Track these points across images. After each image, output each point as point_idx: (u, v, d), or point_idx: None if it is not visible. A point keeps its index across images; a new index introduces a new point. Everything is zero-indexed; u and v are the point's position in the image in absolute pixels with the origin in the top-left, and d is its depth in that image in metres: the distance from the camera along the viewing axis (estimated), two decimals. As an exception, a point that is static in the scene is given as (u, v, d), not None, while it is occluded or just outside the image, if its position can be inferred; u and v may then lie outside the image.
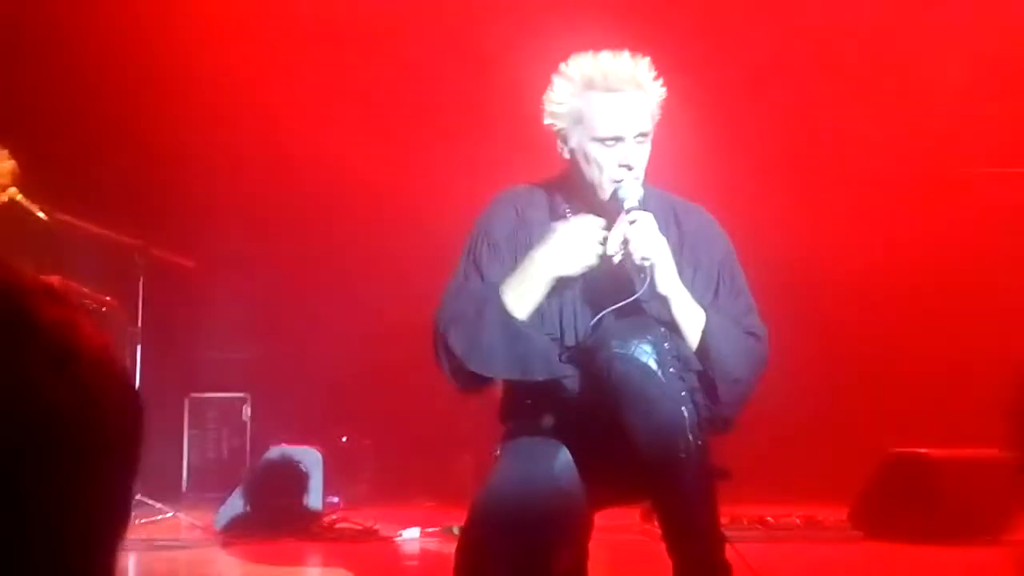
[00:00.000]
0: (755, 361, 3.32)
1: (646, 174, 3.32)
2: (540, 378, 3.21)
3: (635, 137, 3.23)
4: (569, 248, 3.19)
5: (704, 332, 3.19)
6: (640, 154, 3.26)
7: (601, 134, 3.22)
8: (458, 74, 8.21)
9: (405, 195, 8.25)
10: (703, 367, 3.17)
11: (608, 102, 3.22)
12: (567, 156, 3.33)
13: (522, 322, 3.19)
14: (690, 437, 2.98)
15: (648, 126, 3.26)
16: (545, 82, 3.34)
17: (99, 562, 0.72)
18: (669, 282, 3.18)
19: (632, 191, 3.21)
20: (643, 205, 3.24)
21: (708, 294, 3.32)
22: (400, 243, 8.11)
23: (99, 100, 7.86)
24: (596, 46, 3.31)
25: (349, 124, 8.23)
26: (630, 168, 3.23)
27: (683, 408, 2.99)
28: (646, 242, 3.13)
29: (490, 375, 3.24)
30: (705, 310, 3.23)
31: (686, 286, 3.26)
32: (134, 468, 0.75)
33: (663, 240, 3.18)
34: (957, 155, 8.10)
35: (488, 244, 3.35)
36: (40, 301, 0.70)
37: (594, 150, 3.24)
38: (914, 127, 8.16)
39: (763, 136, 8.24)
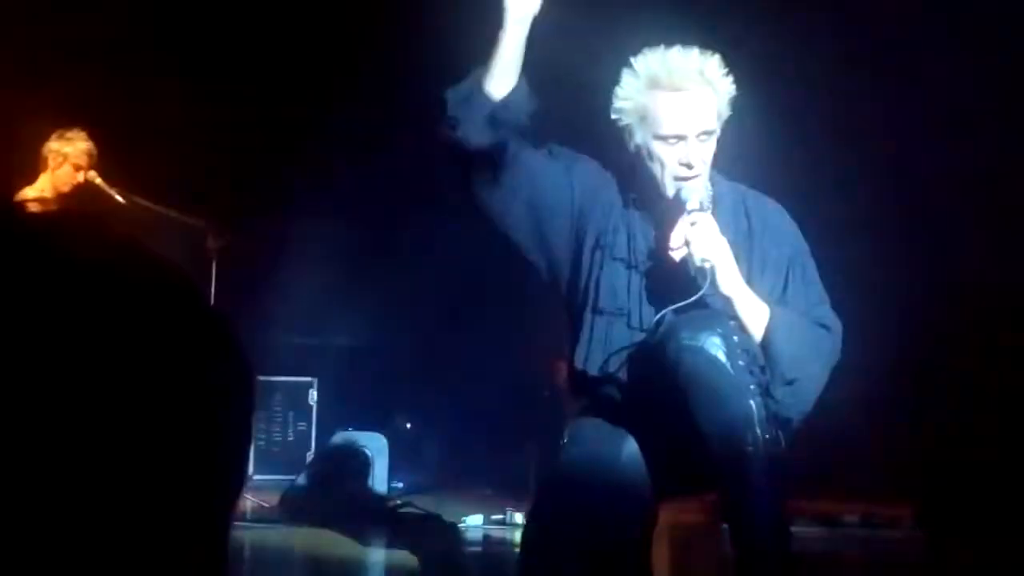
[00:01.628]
0: (823, 354, 3.30)
1: (721, 165, 3.33)
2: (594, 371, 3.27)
3: (698, 136, 3.23)
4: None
5: (767, 329, 3.19)
6: (703, 153, 3.26)
7: (663, 132, 3.23)
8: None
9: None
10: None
11: (671, 101, 3.22)
12: (632, 151, 3.34)
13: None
14: (758, 431, 2.99)
15: (712, 124, 3.26)
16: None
17: (214, 529, 0.76)
18: (730, 283, 3.18)
19: (694, 192, 3.22)
20: (711, 201, 3.25)
21: (778, 286, 3.32)
22: (470, 232, 8.13)
23: (175, 84, 7.95)
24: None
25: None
26: (690, 167, 3.23)
27: (751, 401, 3.00)
28: (706, 244, 3.14)
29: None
30: (771, 306, 3.23)
31: (754, 279, 3.26)
32: (247, 442, 0.79)
33: (724, 242, 3.19)
34: None
35: (597, 174, 3.40)
36: (199, 292, 0.75)
37: (657, 147, 3.25)
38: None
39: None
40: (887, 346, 8.03)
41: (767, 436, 3.01)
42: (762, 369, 3.13)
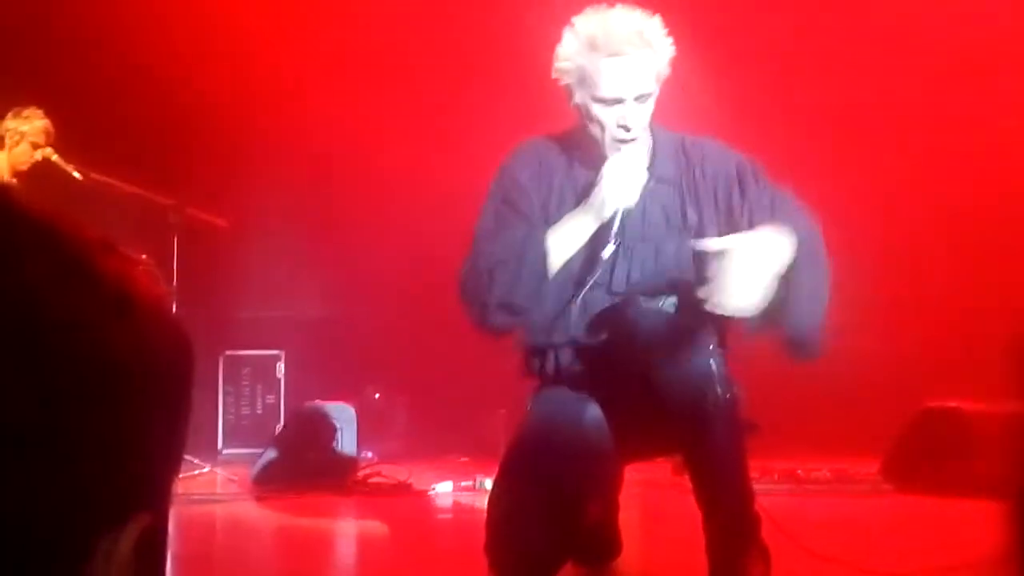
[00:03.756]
0: (814, 237, 3.24)
1: (660, 118, 3.34)
2: (552, 340, 3.27)
3: (636, 98, 3.24)
4: (622, 182, 3.19)
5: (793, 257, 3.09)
6: (640, 114, 3.26)
7: (601, 95, 3.23)
8: (481, 41, 8.21)
9: (436, 153, 8.28)
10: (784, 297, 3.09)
11: (610, 65, 3.21)
12: (572, 109, 3.35)
13: (555, 274, 3.22)
14: (719, 390, 3.01)
15: (651, 87, 3.25)
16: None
17: (155, 503, 0.76)
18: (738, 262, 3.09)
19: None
20: (649, 155, 3.28)
21: (735, 197, 3.29)
22: (433, 200, 8.14)
23: (134, 58, 7.90)
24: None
25: (381, 85, 8.26)
26: (628, 129, 3.24)
27: (711, 361, 3.02)
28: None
29: (523, 319, 3.25)
30: (783, 232, 3.11)
31: (705, 201, 3.27)
32: (187, 413, 0.79)
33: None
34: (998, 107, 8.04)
35: (517, 188, 3.38)
36: (96, 253, 0.73)
37: (595, 109, 3.26)
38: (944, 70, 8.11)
39: (793, 80, 8.22)
40: (853, 303, 8.09)
41: (727, 395, 3.03)
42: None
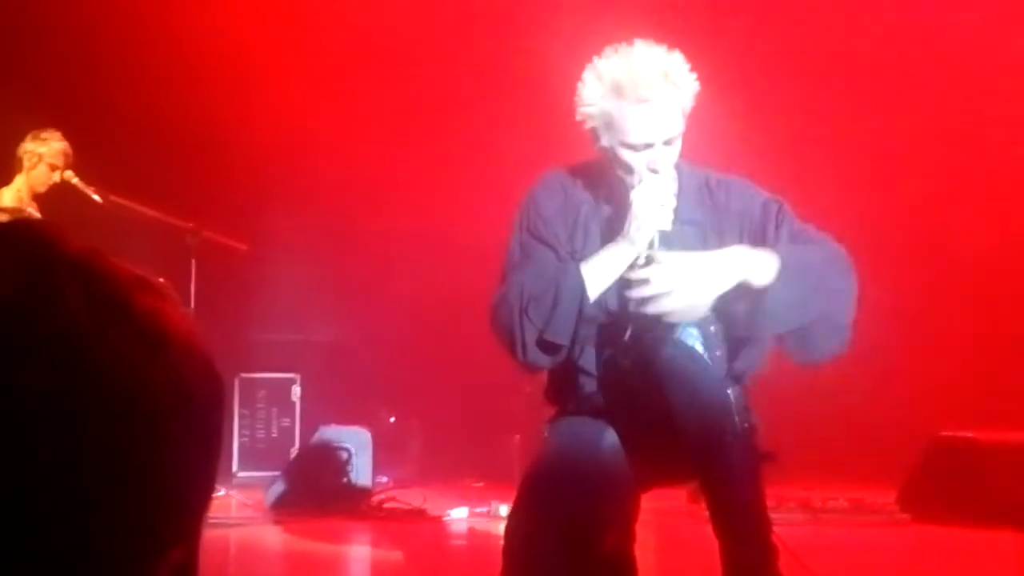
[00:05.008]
0: (835, 260, 3.24)
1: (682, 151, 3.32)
2: (590, 366, 3.25)
3: (664, 142, 3.23)
4: (653, 207, 3.17)
5: (777, 273, 3.08)
6: (669, 155, 3.25)
7: (631, 141, 3.21)
8: (495, 64, 8.23)
9: (454, 177, 8.30)
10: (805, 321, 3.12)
11: (638, 113, 3.17)
12: (598, 150, 3.32)
13: (590, 306, 3.20)
14: (736, 419, 3.00)
15: (679, 128, 3.22)
16: (576, 67, 3.33)
17: (187, 539, 0.76)
18: (726, 275, 3.13)
19: (642, 233, 3.19)
20: (677, 195, 3.25)
21: (759, 241, 3.28)
22: (450, 226, 8.16)
23: (153, 81, 7.95)
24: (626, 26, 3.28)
25: (400, 111, 8.30)
26: (657, 172, 3.23)
27: (729, 391, 3.02)
28: (668, 288, 3.11)
29: (562, 351, 3.24)
30: (776, 251, 3.12)
31: (729, 241, 3.25)
32: (217, 445, 0.79)
33: (684, 261, 3.15)
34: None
35: (542, 219, 3.37)
36: (132, 291, 0.74)
37: (624, 154, 3.23)
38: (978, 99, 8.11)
39: (811, 100, 8.22)
40: (867, 332, 8.07)
41: (746, 425, 3.02)
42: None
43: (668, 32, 3.34)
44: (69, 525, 0.68)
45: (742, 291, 3.08)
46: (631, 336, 3.15)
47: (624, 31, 3.29)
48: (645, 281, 3.05)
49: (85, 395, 0.68)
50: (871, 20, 8.34)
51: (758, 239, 3.26)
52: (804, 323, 3.16)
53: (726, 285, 3.08)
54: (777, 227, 3.28)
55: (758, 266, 3.10)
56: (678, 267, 3.06)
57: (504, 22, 8.25)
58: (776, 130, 7.94)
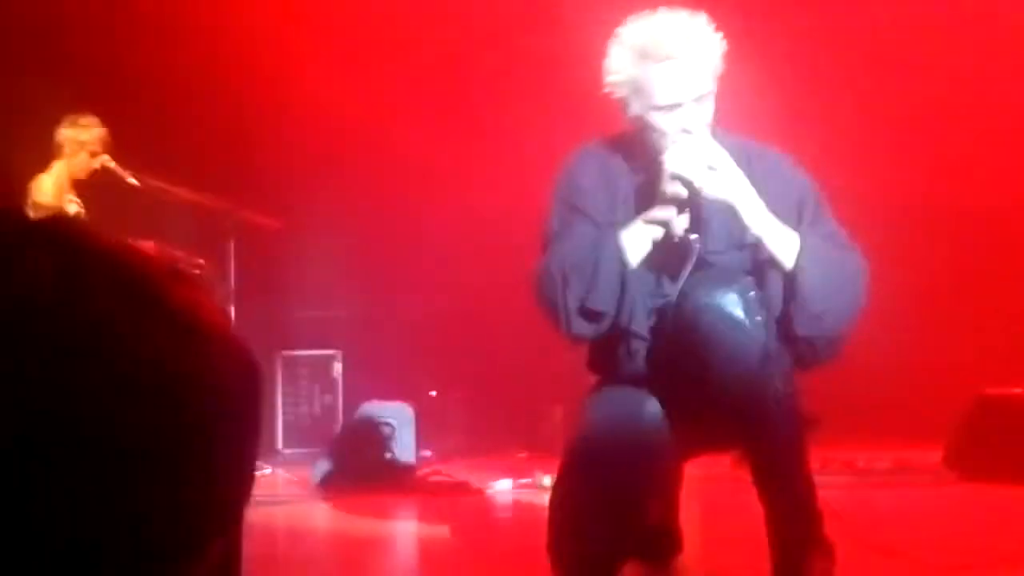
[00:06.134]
0: (853, 277, 3.23)
1: (718, 121, 3.30)
2: (641, 330, 3.23)
3: (695, 100, 3.20)
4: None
5: (797, 257, 3.13)
6: (702, 114, 3.22)
7: (660, 102, 3.19)
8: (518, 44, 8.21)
9: (487, 150, 8.30)
10: (787, 299, 3.13)
11: (664, 71, 3.16)
12: (630, 120, 3.31)
13: (632, 271, 3.19)
14: (778, 385, 2.99)
15: (708, 86, 3.21)
16: (599, 43, 3.32)
17: (228, 529, 0.77)
18: (754, 213, 3.14)
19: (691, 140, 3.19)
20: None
21: (790, 224, 3.26)
22: (487, 198, 8.15)
23: (186, 63, 7.97)
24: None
25: (430, 89, 8.30)
26: (690, 132, 3.20)
27: (771, 356, 3.00)
28: (721, 181, 3.11)
29: (605, 319, 3.23)
30: (801, 234, 3.17)
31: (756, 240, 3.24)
32: (256, 433, 0.79)
33: (740, 175, 3.15)
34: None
35: (580, 192, 3.36)
36: (167, 282, 0.75)
37: (655, 117, 3.21)
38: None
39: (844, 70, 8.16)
40: (912, 291, 8.04)
41: (789, 390, 3.01)
42: (788, 306, 3.10)
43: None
44: (112, 517, 0.68)
45: (773, 267, 3.11)
46: (673, 304, 3.14)
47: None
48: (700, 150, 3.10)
49: (121, 389, 0.69)
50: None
51: (791, 223, 3.23)
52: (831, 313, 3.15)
53: (751, 217, 3.14)
54: (811, 223, 3.26)
55: (781, 237, 3.14)
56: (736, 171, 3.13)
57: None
58: (806, 102, 7.89)
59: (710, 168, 3.11)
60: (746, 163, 3.27)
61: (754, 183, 3.23)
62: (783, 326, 3.07)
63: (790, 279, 3.12)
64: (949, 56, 8.15)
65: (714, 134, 3.27)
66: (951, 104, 8.23)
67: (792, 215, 3.26)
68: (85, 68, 7.47)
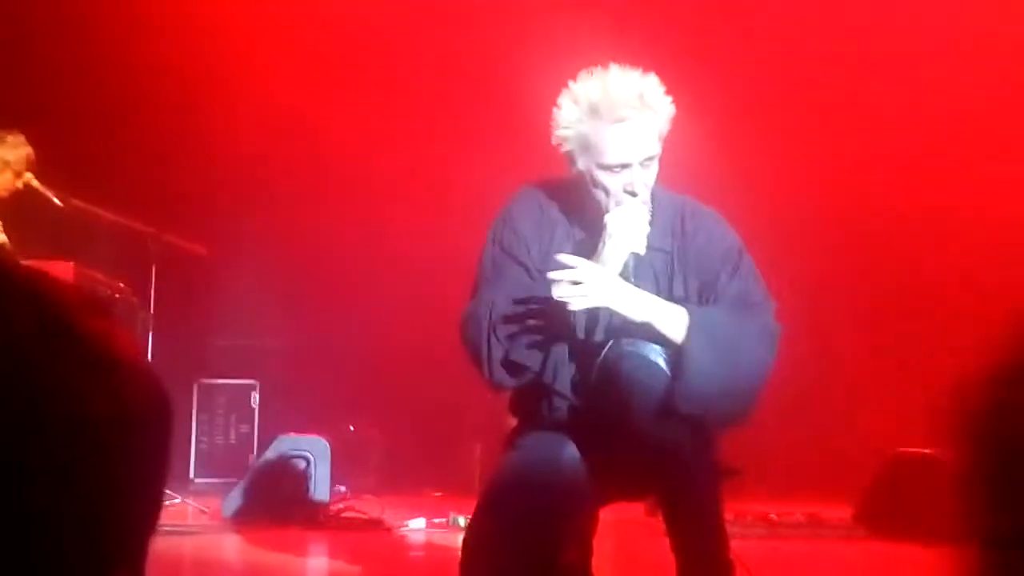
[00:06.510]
0: (749, 349, 3.20)
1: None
2: (564, 389, 3.24)
3: (642, 162, 3.22)
4: (628, 230, 3.16)
5: (686, 335, 3.11)
6: (647, 177, 3.25)
7: (607, 162, 3.21)
8: (474, 69, 8.24)
9: (417, 189, 8.30)
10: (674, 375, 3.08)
11: (614, 133, 3.18)
12: (575, 174, 3.31)
13: (558, 326, 3.19)
14: (697, 434, 3.01)
15: (655, 149, 3.24)
16: (557, 77, 3.33)
17: (133, 560, 0.75)
18: (637, 309, 3.13)
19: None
20: (649, 213, 3.25)
21: (710, 283, 3.28)
22: (412, 237, 8.15)
23: (114, 88, 7.91)
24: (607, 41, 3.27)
25: (362, 114, 8.28)
26: (635, 194, 3.22)
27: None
28: (596, 293, 3.10)
29: (528, 372, 3.22)
30: (691, 309, 3.17)
31: (690, 276, 3.25)
32: (165, 470, 0.78)
33: (614, 282, 3.15)
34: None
35: (516, 236, 3.36)
36: (78, 313, 0.73)
37: (600, 175, 3.22)
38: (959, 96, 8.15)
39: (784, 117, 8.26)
40: (826, 349, 8.14)
41: (706, 440, 3.03)
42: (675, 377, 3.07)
43: (645, 55, 3.34)
44: (9, 546, 0.67)
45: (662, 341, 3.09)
46: (594, 350, 3.15)
47: (602, 55, 3.29)
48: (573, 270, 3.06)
49: (29, 415, 0.67)
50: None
51: (709, 284, 3.25)
52: (718, 381, 3.10)
53: (632, 315, 3.10)
54: (729, 278, 3.27)
55: (665, 316, 3.12)
56: (601, 275, 3.08)
57: (481, 28, 8.25)
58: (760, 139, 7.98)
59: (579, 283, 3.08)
60: (680, 223, 3.30)
61: (684, 241, 3.26)
62: (666, 403, 3.02)
63: (678, 355, 3.09)
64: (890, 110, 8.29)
65: (654, 193, 3.30)
66: (856, 184, 8.35)
67: (715, 271, 3.28)
68: (11, 86, 7.37)
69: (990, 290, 7.94)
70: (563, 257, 3.09)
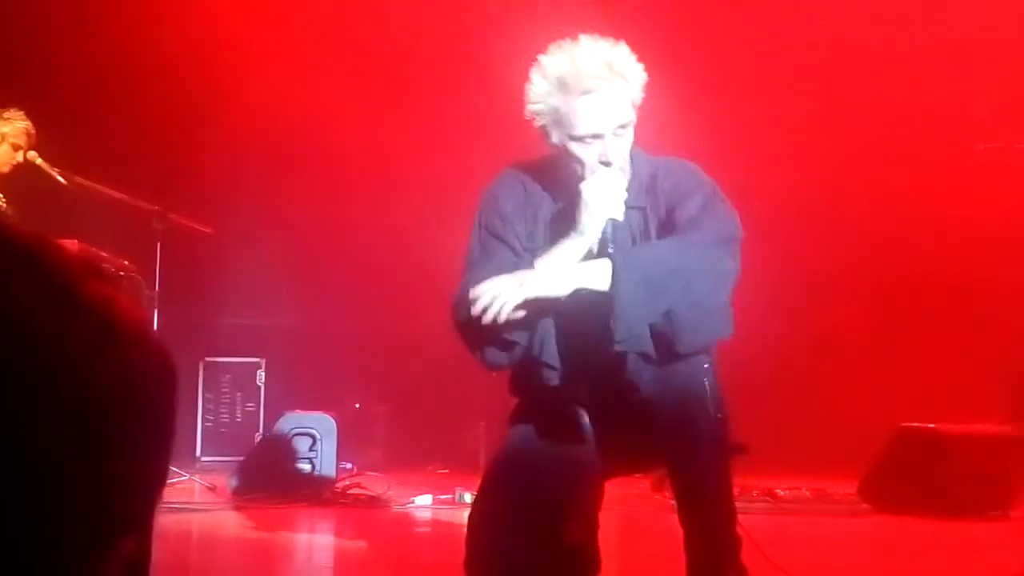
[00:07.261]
0: (685, 272, 3.09)
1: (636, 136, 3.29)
2: (552, 360, 3.23)
3: (614, 131, 3.20)
4: (605, 198, 3.15)
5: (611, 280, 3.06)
6: (620, 146, 3.22)
7: (579, 133, 3.18)
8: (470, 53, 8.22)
9: (423, 170, 8.30)
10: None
11: (584, 104, 3.15)
12: (550, 148, 3.30)
13: (546, 301, 3.18)
14: (710, 409, 3.00)
15: (628, 117, 3.21)
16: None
17: (139, 528, 0.75)
18: (562, 285, 3.10)
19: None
20: (628, 179, 3.23)
21: (681, 226, 3.23)
22: (418, 214, 8.15)
23: (120, 62, 7.89)
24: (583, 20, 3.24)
25: (370, 97, 8.27)
26: (609, 164, 3.20)
27: (704, 380, 3.01)
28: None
29: (519, 348, 3.21)
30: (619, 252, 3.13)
31: (664, 223, 3.22)
32: (170, 438, 0.78)
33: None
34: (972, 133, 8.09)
35: (502, 218, 3.35)
36: (81, 279, 0.73)
37: (574, 147, 3.21)
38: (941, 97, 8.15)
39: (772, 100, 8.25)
40: (832, 324, 8.14)
41: (719, 415, 3.02)
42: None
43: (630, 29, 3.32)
44: (15, 513, 0.67)
45: (594, 296, 3.05)
46: (603, 326, 3.14)
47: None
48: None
49: (31, 382, 0.67)
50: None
51: (666, 223, 3.23)
52: (659, 313, 3.03)
53: (558, 292, 3.08)
54: (685, 208, 3.23)
55: (589, 274, 3.09)
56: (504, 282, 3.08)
57: (472, 18, 8.24)
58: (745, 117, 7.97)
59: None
60: (655, 180, 3.28)
61: (658, 195, 3.24)
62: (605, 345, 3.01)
63: (610, 301, 3.04)
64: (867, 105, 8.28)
65: (633, 156, 3.28)
66: (873, 146, 8.34)
67: (677, 206, 3.23)
68: (14, 62, 7.36)
69: (990, 269, 7.96)
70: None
